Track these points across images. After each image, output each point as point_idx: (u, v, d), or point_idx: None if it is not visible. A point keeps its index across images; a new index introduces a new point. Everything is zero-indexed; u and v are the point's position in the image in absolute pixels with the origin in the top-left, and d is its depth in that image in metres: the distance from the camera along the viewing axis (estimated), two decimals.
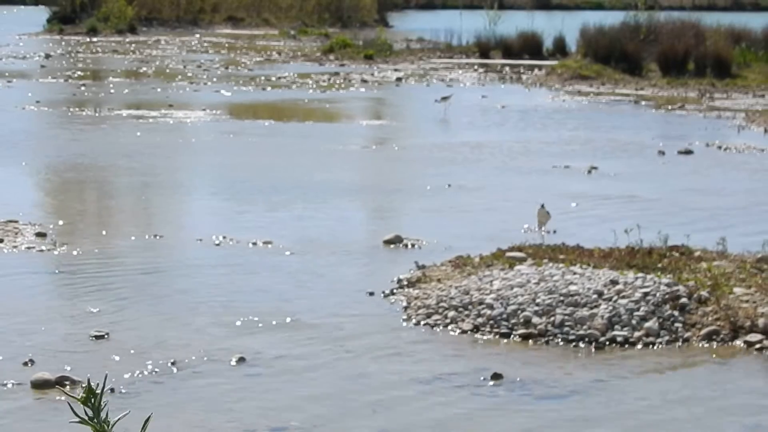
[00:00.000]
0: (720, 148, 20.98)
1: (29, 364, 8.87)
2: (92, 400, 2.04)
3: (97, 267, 11.88)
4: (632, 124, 24.46)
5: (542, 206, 13.48)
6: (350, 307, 10.55)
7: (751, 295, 10.18)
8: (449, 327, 10.05)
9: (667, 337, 9.77)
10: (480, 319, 10.06)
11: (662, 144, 21.16)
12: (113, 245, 12.87)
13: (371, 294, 10.97)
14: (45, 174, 17.99)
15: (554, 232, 13.45)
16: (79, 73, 35.36)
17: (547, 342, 9.75)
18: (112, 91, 30.44)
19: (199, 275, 11.72)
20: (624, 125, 24.14)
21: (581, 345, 9.68)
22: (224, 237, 13.14)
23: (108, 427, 2.04)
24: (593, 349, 9.60)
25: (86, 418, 2.06)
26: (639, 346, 9.66)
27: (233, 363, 9.00)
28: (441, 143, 21.21)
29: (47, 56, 41.81)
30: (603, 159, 19.29)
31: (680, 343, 9.72)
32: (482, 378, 8.80)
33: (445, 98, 25.43)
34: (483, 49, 42.42)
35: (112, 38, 52.40)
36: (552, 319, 9.94)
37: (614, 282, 10.35)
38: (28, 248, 12.60)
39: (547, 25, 44.18)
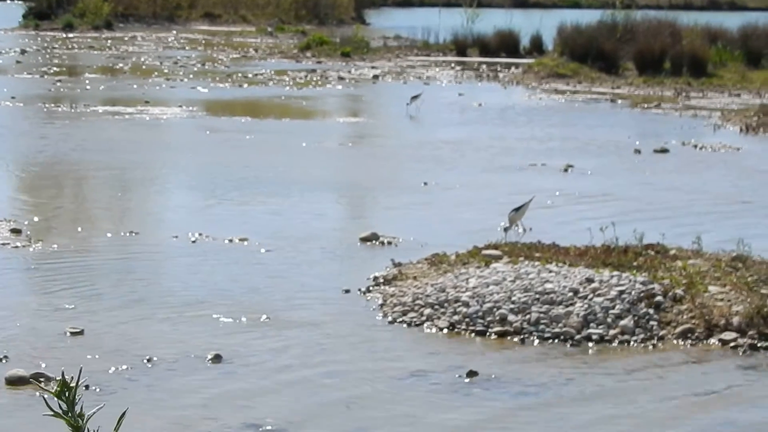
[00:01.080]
0: (696, 146, 21.04)
1: (4, 361, 8.83)
2: (66, 393, 2.04)
3: (72, 263, 11.84)
4: (608, 122, 24.51)
5: (516, 210, 13.46)
6: (326, 305, 10.54)
7: (725, 293, 10.22)
8: (425, 324, 10.05)
9: (642, 335, 9.80)
10: (456, 317, 10.06)
11: (638, 142, 21.21)
12: (89, 241, 12.83)
13: (347, 291, 10.96)
14: (20, 170, 17.91)
15: (530, 230, 13.47)
16: (54, 69, 35.21)
17: (522, 340, 9.77)
18: (88, 87, 30.33)
19: (174, 272, 11.70)
20: (600, 124, 24.18)
21: (557, 343, 9.70)
22: (200, 234, 13.11)
23: (82, 421, 2.04)
24: (568, 347, 9.63)
25: (60, 412, 2.05)
26: (614, 344, 9.69)
27: (209, 360, 8.98)
28: (417, 140, 21.21)
29: (23, 52, 41.61)
30: (579, 157, 19.32)
31: (655, 341, 9.75)
32: (457, 375, 8.81)
33: (415, 97, 25.35)
34: (460, 47, 42.45)
35: (88, 34, 52.20)
36: (528, 317, 9.96)
37: (590, 280, 10.37)
38: (3, 244, 12.55)
39: (524, 23, 44.21)
